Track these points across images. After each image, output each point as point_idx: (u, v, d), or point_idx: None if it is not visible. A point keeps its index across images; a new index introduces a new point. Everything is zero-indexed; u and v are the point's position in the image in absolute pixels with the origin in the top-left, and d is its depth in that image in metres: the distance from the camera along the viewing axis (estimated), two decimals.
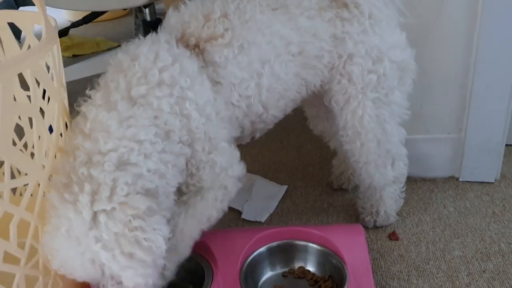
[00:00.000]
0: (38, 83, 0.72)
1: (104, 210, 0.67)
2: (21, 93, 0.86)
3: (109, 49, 2.25)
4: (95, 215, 0.67)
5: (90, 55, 2.20)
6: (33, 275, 0.76)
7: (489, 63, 1.07)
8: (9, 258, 0.71)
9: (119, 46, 2.38)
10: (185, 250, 0.82)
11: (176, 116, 0.76)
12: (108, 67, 0.79)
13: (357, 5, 0.87)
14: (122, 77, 0.76)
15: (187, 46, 0.81)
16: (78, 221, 0.67)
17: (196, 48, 0.81)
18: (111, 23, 2.63)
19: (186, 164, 0.79)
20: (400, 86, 0.92)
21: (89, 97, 0.77)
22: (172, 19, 0.84)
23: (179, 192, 0.82)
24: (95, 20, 2.27)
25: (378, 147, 0.95)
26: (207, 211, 0.83)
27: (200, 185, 0.82)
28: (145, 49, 0.77)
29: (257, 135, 0.94)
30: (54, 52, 0.77)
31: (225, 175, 0.82)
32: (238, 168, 0.85)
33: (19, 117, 0.94)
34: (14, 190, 1.06)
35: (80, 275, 0.71)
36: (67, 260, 0.70)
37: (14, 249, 0.71)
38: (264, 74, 0.83)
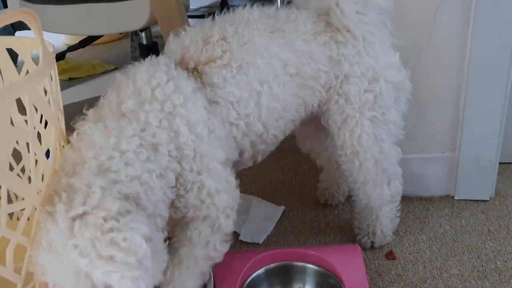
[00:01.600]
0: (36, 109, 0.73)
1: (78, 216, 0.65)
2: (19, 118, 0.87)
3: (105, 72, 2.27)
4: (71, 223, 0.65)
5: (86, 78, 2.22)
6: None
7: (481, 82, 1.09)
8: (5, 284, 0.71)
9: (115, 69, 2.41)
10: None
11: (164, 130, 0.76)
12: (108, 88, 0.81)
13: (349, 30, 0.89)
14: (115, 94, 0.78)
15: (186, 69, 0.83)
16: (56, 231, 0.65)
17: (195, 72, 0.83)
18: (107, 46, 2.65)
19: (176, 183, 0.78)
20: (396, 105, 0.94)
21: (86, 115, 0.79)
22: (172, 44, 0.86)
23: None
24: (90, 44, 2.30)
25: (375, 166, 0.96)
26: (189, 249, 0.80)
27: (185, 213, 0.80)
28: (142, 69, 0.80)
29: (259, 159, 0.94)
30: (52, 77, 0.78)
31: (213, 202, 0.79)
32: (230, 196, 0.81)
33: (17, 142, 0.94)
34: (10, 215, 1.06)
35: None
36: (56, 275, 0.67)
37: (11, 274, 0.70)
38: (263, 93, 0.84)
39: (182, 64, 0.84)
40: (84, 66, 2.33)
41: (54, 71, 0.79)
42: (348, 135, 0.93)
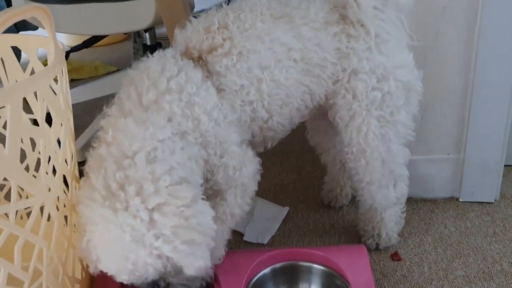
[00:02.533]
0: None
1: (157, 206, 0.69)
2: (24, 116, 0.87)
3: (108, 74, 2.27)
4: (151, 214, 0.69)
5: (88, 79, 2.21)
6: None
7: (487, 83, 1.09)
8: (13, 281, 0.71)
9: (117, 70, 2.41)
10: (219, 251, 0.88)
11: (188, 118, 0.79)
12: (122, 83, 0.83)
13: (364, 25, 0.88)
14: (133, 89, 0.79)
15: (191, 59, 0.84)
16: (138, 224, 0.69)
17: (200, 60, 0.84)
18: (110, 48, 2.65)
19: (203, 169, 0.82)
20: (406, 106, 0.93)
21: (107, 114, 0.80)
22: (178, 36, 0.87)
23: None
24: (93, 45, 2.30)
25: (382, 166, 0.96)
26: (228, 210, 0.87)
27: (217, 188, 0.85)
28: (153, 63, 0.81)
29: (269, 145, 0.96)
30: (62, 74, 0.78)
31: (239, 175, 0.86)
32: (252, 166, 0.88)
33: (22, 140, 0.94)
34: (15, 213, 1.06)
35: (143, 277, 0.73)
36: (133, 265, 0.71)
37: (18, 271, 0.70)
38: (264, 79, 0.85)
39: (187, 54, 0.85)
40: (86, 68, 2.33)
41: (64, 69, 0.79)
42: (355, 132, 0.93)
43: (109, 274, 0.73)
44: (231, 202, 0.86)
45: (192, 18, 0.88)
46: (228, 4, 0.89)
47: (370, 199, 1.02)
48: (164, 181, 0.71)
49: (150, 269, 0.72)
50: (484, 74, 1.08)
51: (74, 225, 0.84)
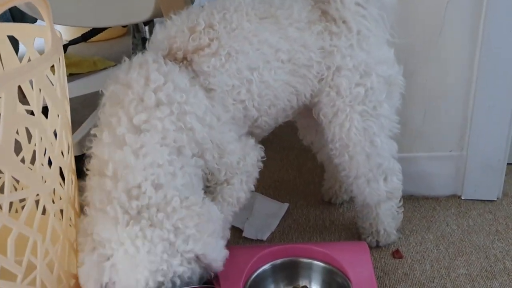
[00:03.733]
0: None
1: (178, 219, 0.72)
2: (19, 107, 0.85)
3: (106, 68, 2.25)
4: (174, 224, 0.72)
5: (87, 74, 2.20)
6: None
7: (491, 80, 1.07)
8: (5, 274, 0.69)
9: (116, 65, 2.39)
10: (224, 234, 0.87)
11: (182, 131, 0.77)
12: (103, 99, 0.81)
13: (345, 21, 0.89)
14: (120, 109, 0.77)
15: (174, 60, 0.82)
16: (167, 234, 0.71)
17: (184, 61, 0.82)
18: (108, 43, 2.63)
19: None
20: (388, 100, 0.93)
21: (95, 135, 0.79)
22: (158, 35, 0.85)
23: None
24: (92, 40, 2.28)
25: (367, 160, 0.95)
26: (235, 193, 0.88)
27: (222, 181, 0.87)
28: (134, 74, 0.78)
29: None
30: (59, 63, 0.76)
31: (244, 164, 0.87)
32: (255, 154, 0.89)
33: (17, 132, 0.92)
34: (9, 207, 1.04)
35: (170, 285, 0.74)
36: (164, 276, 0.72)
37: (11, 264, 0.68)
38: (254, 80, 0.84)
39: (170, 55, 0.83)
40: (85, 62, 2.31)
41: (61, 58, 0.77)
42: (338, 128, 0.93)
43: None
44: (237, 187, 0.88)
45: (173, 16, 0.86)
46: None
47: (360, 195, 1.01)
48: (176, 202, 0.73)
49: (177, 279, 0.73)
50: (488, 71, 1.07)
51: (70, 219, 0.83)
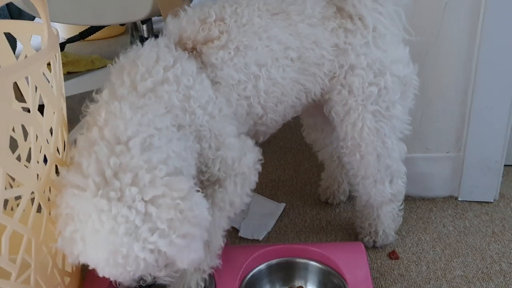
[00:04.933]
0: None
1: (153, 198, 0.66)
2: (15, 104, 0.84)
3: (104, 67, 2.24)
4: (147, 206, 0.66)
5: (85, 72, 2.19)
6: None
7: (489, 81, 1.07)
8: (0, 272, 0.69)
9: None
10: (217, 240, 0.85)
11: (186, 112, 0.77)
12: (110, 71, 0.79)
13: (362, 18, 0.87)
14: (126, 74, 0.76)
15: (184, 49, 0.82)
16: (133, 216, 0.65)
17: (194, 51, 0.82)
18: (106, 42, 2.62)
19: (196, 161, 0.80)
20: (401, 100, 0.92)
21: (95, 100, 0.77)
22: (170, 25, 0.85)
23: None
24: (90, 38, 2.27)
25: (378, 161, 0.94)
26: (227, 197, 0.84)
27: (214, 179, 0.83)
28: (146, 51, 0.78)
29: (260, 139, 0.94)
30: (56, 60, 0.75)
31: (239, 164, 0.84)
32: (252, 155, 0.85)
33: (13, 130, 0.92)
34: (5, 205, 1.04)
35: (131, 272, 0.68)
36: (124, 259, 0.67)
37: (5, 262, 0.68)
38: (261, 77, 0.83)
39: (180, 44, 0.83)
40: (83, 61, 2.30)
41: (58, 54, 0.77)
42: (350, 127, 0.92)
43: (92, 267, 0.69)
44: (231, 190, 0.84)
45: (186, 7, 0.86)
46: None
47: (365, 195, 1.01)
48: (160, 171, 0.68)
49: (141, 264, 0.68)
50: (486, 72, 1.07)
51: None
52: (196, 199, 0.70)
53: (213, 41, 0.81)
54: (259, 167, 0.87)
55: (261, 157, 0.88)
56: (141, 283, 0.74)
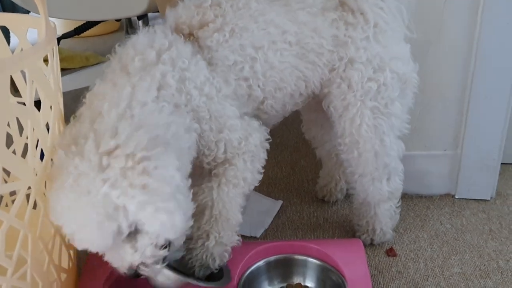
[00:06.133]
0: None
1: (109, 150, 0.65)
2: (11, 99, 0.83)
3: (98, 64, 2.22)
4: (101, 158, 0.64)
5: (79, 69, 2.17)
6: (20, 287, 0.72)
7: (487, 80, 1.07)
8: None
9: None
10: (235, 216, 0.84)
11: (181, 92, 0.77)
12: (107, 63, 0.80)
13: (363, 13, 0.87)
14: (117, 60, 0.77)
15: (181, 35, 0.82)
16: (85, 167, 0.64)
17: (191, 36, 0.82)
18: (101, 39, 2.60)
19: (198, 144, 0.80)
20: (401, 98, 0.91)
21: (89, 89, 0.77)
22: (168, 15, 0.85)
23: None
24: (84, 35, 2.26)
25: (375, 159, 0.94)
26: (239, 174, 0.83)
27: (220, 161, 0.83)
28: (140, 36, 0.79)
29: None
30: (53, 54, 0.74)
31: (245, 144, 0.83)
32: (258, 135, 0.85)
33: (8, 125, 0.91)
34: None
35: (98, 237, 0.66)
36: (77, 219, 0.65)
37: (1, 258, 0.67)
38: (258, 59, 0.83)
39: (177, 30, 0.83)
40: (77, 57, 2.28)
41: (55, 48, 0.76)
42: (348, 123, 0.91)
43: (69, 237, 0.68)
44: (241, 167, 0.83)
45: None
46: None
47: (363, 193, 1.00)
48: (124, 130, 0.66)
49: (104, 222, 0.64)
50: (484, 70, 1.07)
51: None
52: (160, 153, 0.66)
53: (208, 25, 0.81)
54: (267, 145, 0.87)
55: (268, 136, 0.88)
56: (140, 268, 0.72)
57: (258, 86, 0.85)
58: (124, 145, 0.65)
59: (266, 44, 0.83)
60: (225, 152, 0.82)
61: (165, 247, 0.72)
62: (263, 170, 0.88)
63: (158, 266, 0.73)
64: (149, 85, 0.73)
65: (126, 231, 0.67)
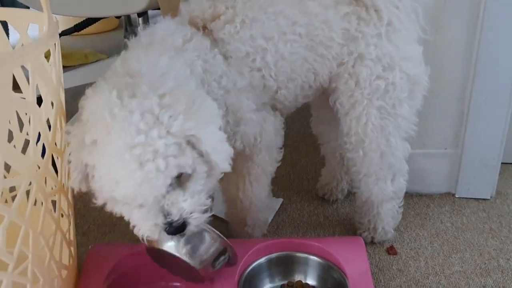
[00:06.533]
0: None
1: (160, 94, 0.66)
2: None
3: (97, 61, 2.22)
4: (161, 98, 0.66)
5: (77, 66, 2.16)
6: (21, 283, 0.71)
7: (488, 79, 1.07)
8: None
9: (107, 58, 2.35)
10: (261, 214, 1.00)
11: (204, 83, 0.78)
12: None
13: (378, 10, 0.86)
14: (142, 36, 0.79)
15: (196, 28, 0.83)
16: (149, 104, 0.65)
17: (205, 29, 0.83)
18: (100, 37, 2.59)
19: None
20: (409, 99, 0.90)
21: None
22: (182, 9, 0.86)
23: None
24: (83, 33, 2.25)
25: (381, 159, 0.94)
26: (261, 169, 0.93)
27: (239, 150, 0.87)
28: (162, 25, 0.80)
29: None
30: (55, 49, 0.74)
31: (261, 140, 0.88)
32: (272, 126, 0.90)
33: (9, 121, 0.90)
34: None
35: (157, 181, 0.64)
36: (144, 153, 0.63)
37: (3, 253, 0.67)
38: (269, 50, 0.83)
39: (191, 23, 0.84)
40: (76, 55, 2.27)
41: (57, 43, 0.75)
42: (354, 122, 0.91)
43: (111, 183, 0.65)
44: (261, 162, 0.91)
45: None
46: None
47: (366, 192, 1.00)
48: (169, 81, 0.68)
49: (172, 159, 0.63)
50: (485, 69, 1.07)
51: (63, 209, 0.81)
52: (206, 96, 0.73)
53: (220, 17, 0.82)
54: (282, 132, 0.93)
55: (283, 124, 0.93)
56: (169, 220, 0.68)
57: (271, 76, 0.85)
58: (172, 93, 0.67)
59: (276, 35, 0.83)
60: (241, 143, 0.85)
61: (212, 199, 0.73)
62: (281, 157, 0.96)
63: (206, 216, 0.71)
64: (184, 62, 0.75)
65: (189, 170, 0.67)
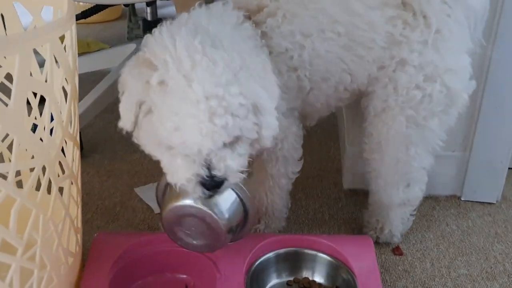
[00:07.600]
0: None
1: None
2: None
3: (99, 50, 2.19)
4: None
5: (80, 55, 2.14)
6: (29, 268, 0.70)
7: (499, 83, 1.07)
8: (6, 248, 0.66)
9: (110, 48, 2.31)
10: (282, 206, 1.01)
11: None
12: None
13: (426, 17, 0.82)
14: (199, 14, 0.76)
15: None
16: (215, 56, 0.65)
17: (251, 21, 0.82)
18: (102, 26, 2.57)
19: None
20: (443, 114, 0.87)
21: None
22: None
23: None
24: (86, 21, 2.23)
25: (396, 166, 0.92)
26: (274, 182, 0.94)
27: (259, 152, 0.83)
28: (215, 5, 0.79)
29: (307, 122, 0.96)
30: (72, 32, 0.73)
31: (281, 147, 0.89)
32: (293, 138, 0.91)
33: None
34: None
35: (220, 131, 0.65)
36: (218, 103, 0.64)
37: (13, 236, 0.65)
38: (306, 47, 0.81)
39: None
40: (79, 43, 2.23)
41: (74, 27, 0.74)
42: (380, 125, 0.88)
43: (168, 128, 0.64)
44: (275, 175, 0.92)
45: None
46: None
47: (377, 193, 0.99)
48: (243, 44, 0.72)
49: (230, 120, 0.64)
50: (497, 73, 1.06)
51: (72, 195, 0.79)
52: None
53: (263, 9, 0.81)
54: (300, 144, 0.94)
55: (301, 136, 0.94)
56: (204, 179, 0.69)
57: (305, 75, 0.84)
58: (249, 57, 0.69)
59: (314, 32, 0.81)
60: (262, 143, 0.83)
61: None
62: (298, 169, 0.98)
63: (243, 177, 0.72)
64: (246, 35, 0.75)
65: (247, 134, 0.68)
